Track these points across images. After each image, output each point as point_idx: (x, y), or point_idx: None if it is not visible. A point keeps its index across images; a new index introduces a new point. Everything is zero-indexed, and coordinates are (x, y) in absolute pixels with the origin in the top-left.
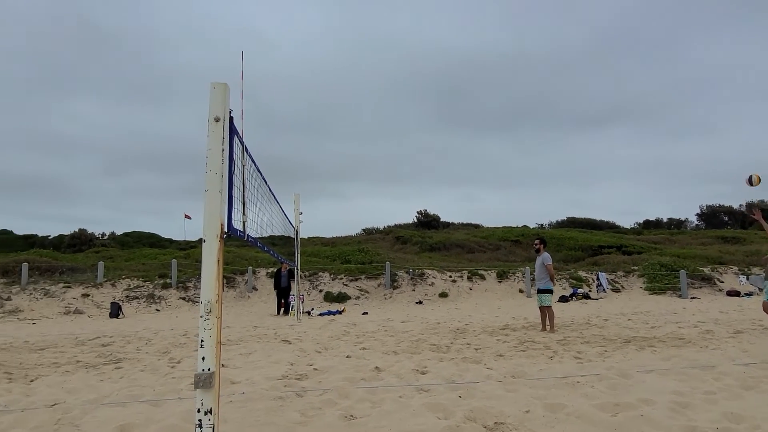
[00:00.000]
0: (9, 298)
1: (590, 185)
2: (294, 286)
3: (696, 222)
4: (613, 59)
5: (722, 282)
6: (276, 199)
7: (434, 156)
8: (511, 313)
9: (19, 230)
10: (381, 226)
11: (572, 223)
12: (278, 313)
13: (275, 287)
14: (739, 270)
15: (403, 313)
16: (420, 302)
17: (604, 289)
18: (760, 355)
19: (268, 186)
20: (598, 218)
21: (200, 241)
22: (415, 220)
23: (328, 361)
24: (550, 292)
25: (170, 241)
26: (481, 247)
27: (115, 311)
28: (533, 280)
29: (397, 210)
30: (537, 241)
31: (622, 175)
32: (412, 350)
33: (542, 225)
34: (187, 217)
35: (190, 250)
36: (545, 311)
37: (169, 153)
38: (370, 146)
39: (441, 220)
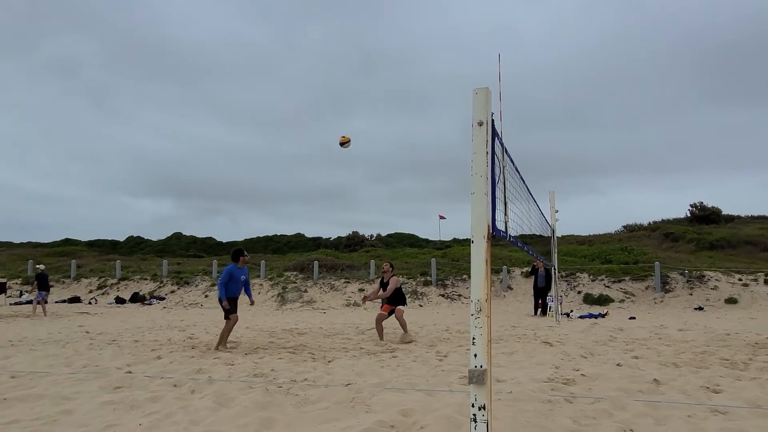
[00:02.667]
0: (305, 290)
1: None
2: (552, 287)
3: None
4: None
5: None
6: (533, 198)
7: (714, 138)
8: None
9: (309, 233)
10: (645, 222)
11: None
12: (535, 313)
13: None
14: None
15: (679, 320)
16: (700, 308)
17: None
18: None
19: (525, 185)
20: None
21: (454, 240)
22: (688, 215)
23: (597, 368)
24: None
25: (427, 241)
26: None
27: None
28: None
29: (664, 204)
30: None
31: None
32: (697, 364)
33: None
34: (441, 217)
35: (446, 249)
36: None
37: (425, 159)
38: (630, 134)
39: (723, 213)
